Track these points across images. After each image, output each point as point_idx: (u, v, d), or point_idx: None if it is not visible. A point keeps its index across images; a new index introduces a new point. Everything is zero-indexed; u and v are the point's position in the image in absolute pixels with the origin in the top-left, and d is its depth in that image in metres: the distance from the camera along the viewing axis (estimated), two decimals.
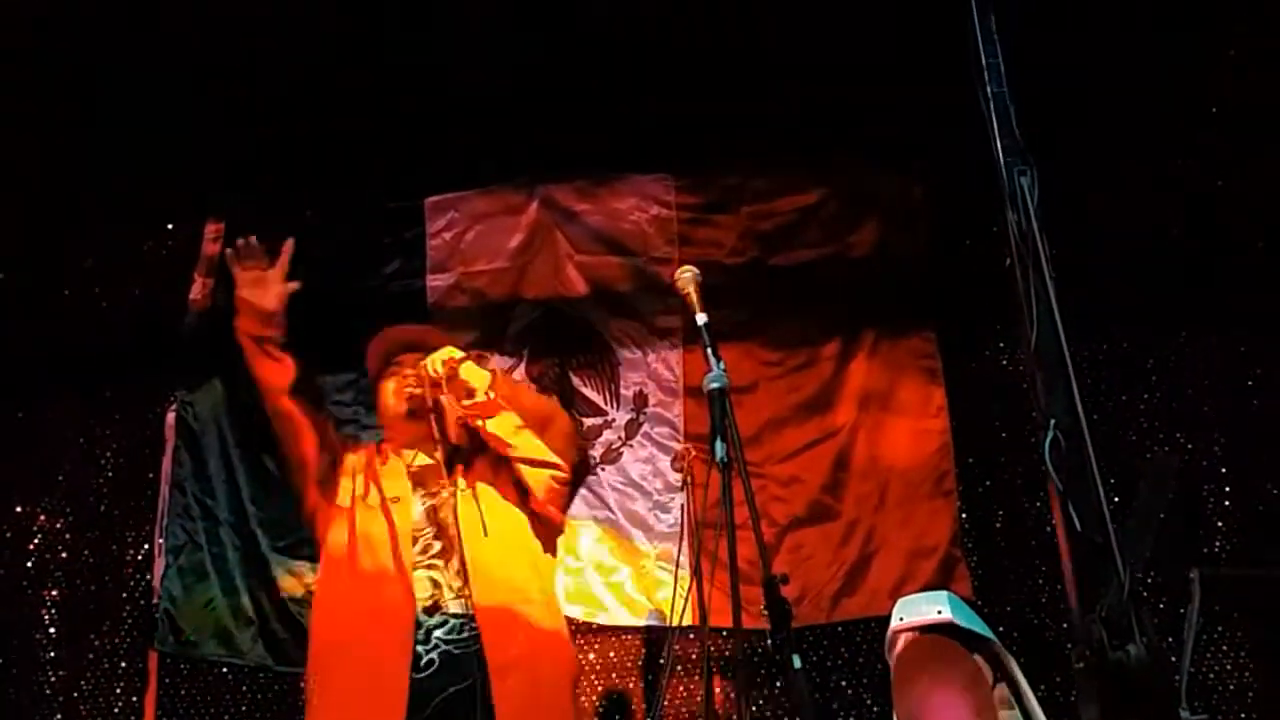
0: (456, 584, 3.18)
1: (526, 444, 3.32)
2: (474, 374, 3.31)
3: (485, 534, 3.22)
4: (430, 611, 3.14)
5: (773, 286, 4.94)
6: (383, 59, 4.48)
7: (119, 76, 4.41)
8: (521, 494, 3.39)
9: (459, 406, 3.35)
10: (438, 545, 3.25)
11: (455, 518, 3.25)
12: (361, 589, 3.24)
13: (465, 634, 3.12)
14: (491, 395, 3.28)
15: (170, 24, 4.18)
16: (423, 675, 3.05)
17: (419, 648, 3.09)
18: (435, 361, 3.31)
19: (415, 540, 3.25)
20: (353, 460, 3.46)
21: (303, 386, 3.39)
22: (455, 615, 3.15)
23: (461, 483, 3.34)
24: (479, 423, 3.33)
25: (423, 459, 3.42)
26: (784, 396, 4.82)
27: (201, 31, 4.23)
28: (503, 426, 3.31)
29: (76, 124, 4.61)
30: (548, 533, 3.43)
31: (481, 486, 3.35)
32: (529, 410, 3.37)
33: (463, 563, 3.18)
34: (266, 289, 3.36)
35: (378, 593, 3.19)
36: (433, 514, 3.31)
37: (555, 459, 3.34)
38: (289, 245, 3.44)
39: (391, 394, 3.48)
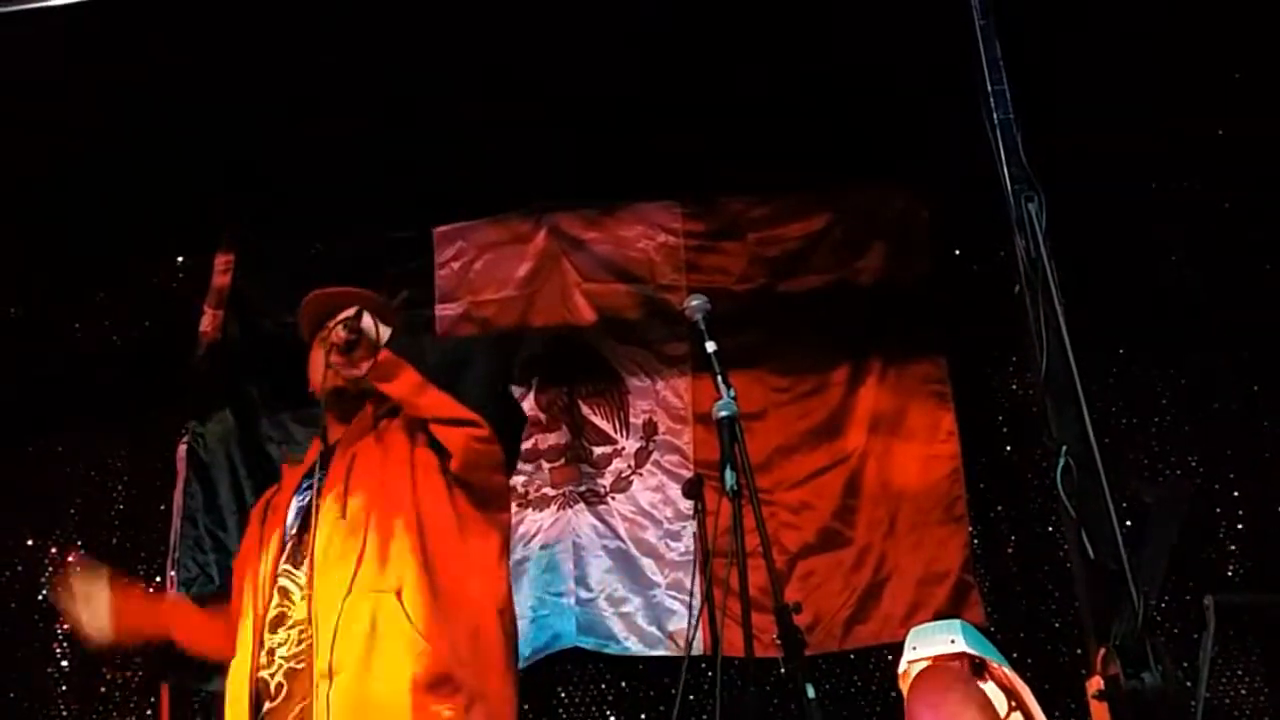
0: (302, 581, 2.79)
1: (433, 401, 2.84)
2: (372, 329, 2.96)
3: (344, 516, 2.80)
4: (274, 627, 2.77)
5: (781, 313, 4.93)
6: (390, 89, 4.49)
7: (131, 109, 4.43)
8: (443, 459, 2.91)
9: (359, 370, 2.97)
10: (292, 544, 2.88)
11: (317, 506, 2.84)
12: (234, 619, 2.96)
13: (302, 644, 2.72)
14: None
15: (180, 56, 4.20)
16: (274, 705, 2.69)
17: (264, 674, 2.73)
18: (336, 328, 3.00)
19: (284, 546, 2.89)
20: (254, 511, 3.19)
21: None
22: (296, 623, 2.75)
23: (349, 452, 2.94)
24: (380, 386, 2.92)
25: (334, 437, 3.08)
26: (793, 423, 4.81)
27: (210, 63, 4.24)
28: (404, 385, 2.86)
29: (86, 157, 4.63)
30: (478, 503, 2.94)
31: (368, 457, 2.92)
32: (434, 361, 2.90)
33: (311, 555, 2.78)
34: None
35: (240, 620, 2.89)
36: (302, 511, 2.94)
37: (468, 414, 2.82)
38: None
39: (317, 367, 3.14)
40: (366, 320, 2.99)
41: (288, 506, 2.99)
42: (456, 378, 2.88)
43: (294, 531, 2.92)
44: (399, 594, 2.71)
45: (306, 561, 2.79)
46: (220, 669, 3.01)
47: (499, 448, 2.93)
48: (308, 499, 2.93)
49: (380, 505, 2.84)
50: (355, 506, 2.83)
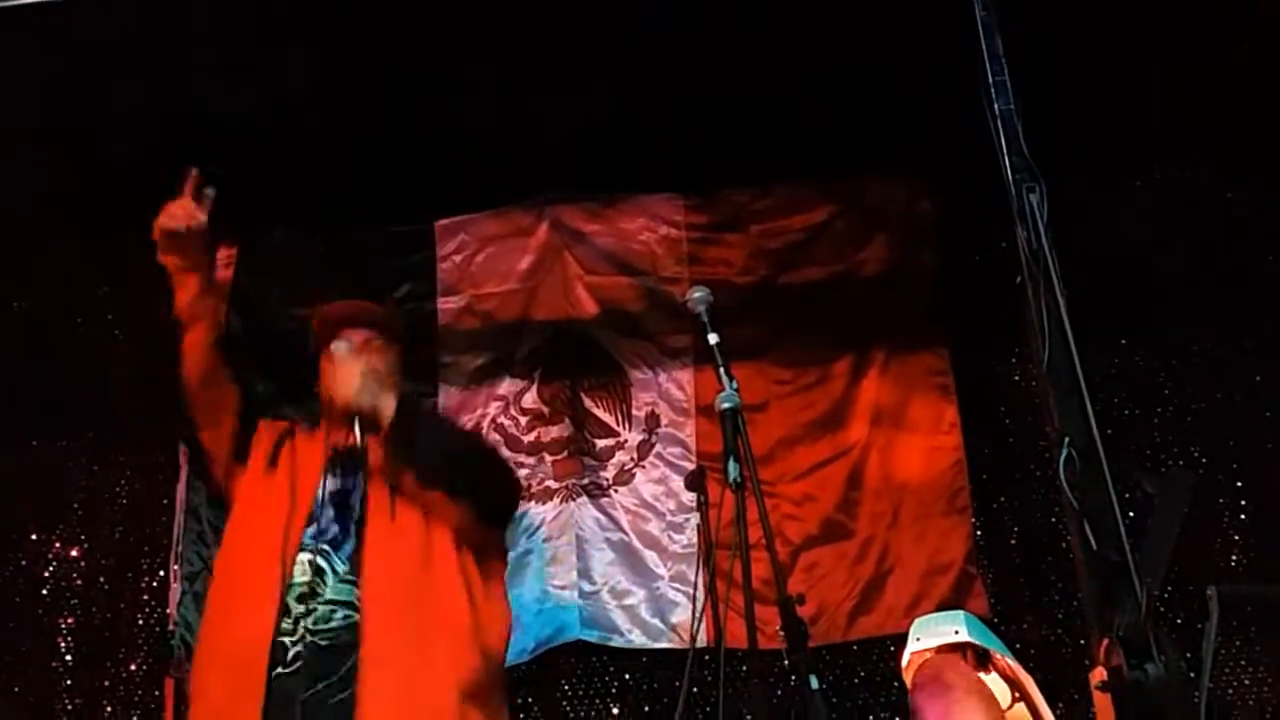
0: (343, 568, 2.97)
1: (431, 502, 3.09)
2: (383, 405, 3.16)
3: (393, 518, 3.02)
4: (303, 599, 2.91)
5: (783, 305, 4.93)
6: (392, 83, 4.49)
7: (132, 103, 4.42)
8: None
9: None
10: (334, 529, 3.05)
11: (363, 499, 3.07)
12: (238, 571, 3.05)
13: (335, 622, 2.89)
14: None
15: (181, 50, 4.19)
16: (286, 672, 2.82)
17: (285, 639, 2.86)
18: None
19: (312, 521, 3.03)
20: (267, 428, 3.31)
21: (228, 343, 3.37)
22: (329, 601, 2.92)
23: (381, 467, 3.12)
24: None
25: (349, 441, 3.21)
26: (796, 415, 4.81)
27: (211, 56, 4.24)
28: (405, 486, 3.10)
29: (88, 150, 4.63)
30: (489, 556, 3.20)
31: (404, 474, 3.10)
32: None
33: (360, 545, 2.98)
34: (172, 212, 3.25)
35: (249, 576, 2.98)
36: (340, 497, 3.12)
37: (462, 519, 3.10)
38: (193, 174, 3.29)
39: (333, 376, 3.28)
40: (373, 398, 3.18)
41: (316, 482, 3.12)
42: (456, 468, 3.14)
43: (330, 514, 3.08)
44: (446, 603, 2.97)
45: (348, 550, 2.99)
46: None
47: (490, 527, 3.23)
48: (348, 486, 3.14)
49: (427, 516, 3.07)
50: (403, 513, 3.05)
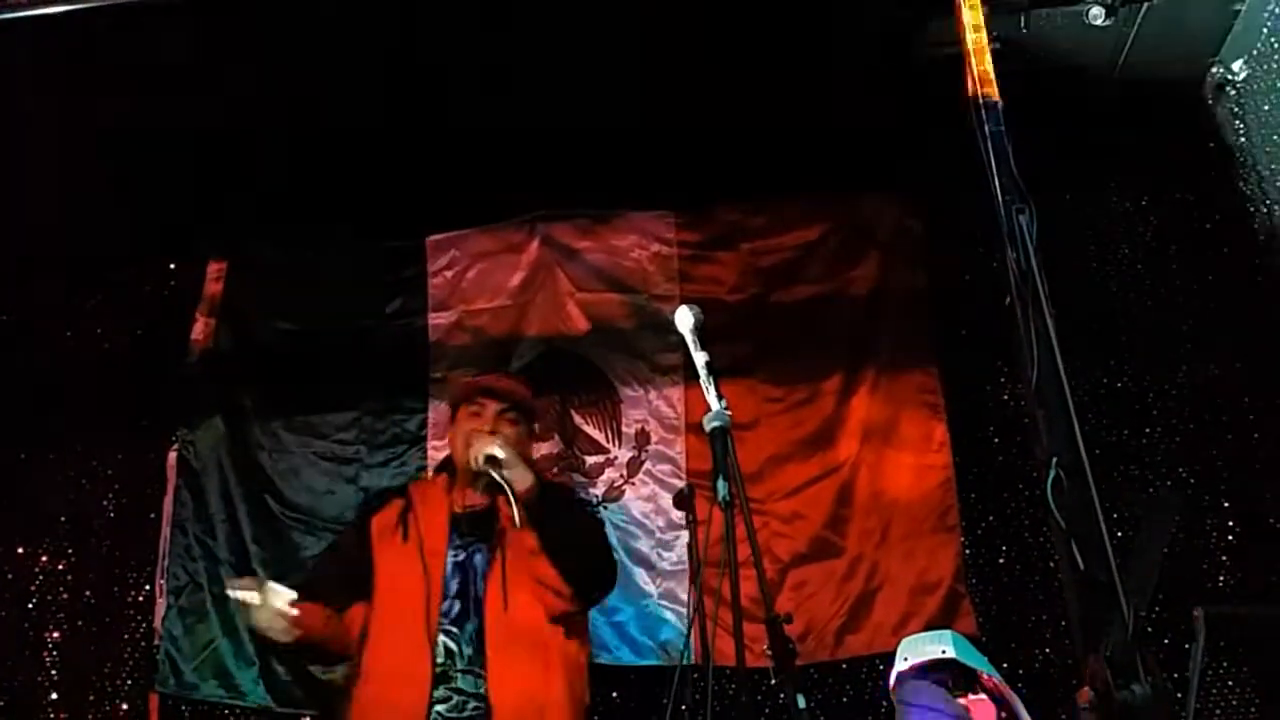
0: (469, 652, 3.14)
1: (543, 569, 3.26)
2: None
3: (505, 608, 3.18)
4: (438, 681, 3.09)
5: (774, 323, 4.94)
6: (384, 98, 4.49)
7: (123, 115, 4.42)
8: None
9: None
10: (458, 606, 3.21)
11: (482, 580, 3.22)
12: (386, 640, 3.21)
13: (467, 713, 3.08)
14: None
15: (175, 62, 4.19)
16: None
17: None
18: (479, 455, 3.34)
19: (445, 596, 3.21)
20: (381, 518, 3.45)
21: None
22: (460, 691, 3.11)
23: (499, 546, 3.31)
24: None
25: (476, 502, 3.43)
26: (786, 432, 4.81)
27: (204, 69, 4.24)
28: (525, 544, 3.27)
29: (78, 162, 4.63)
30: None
31: (514, 557, 3.29)
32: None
33: (481, 628, 3.14)
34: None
35: (400, 652, 3.15)
36: (464, 570, 3.28)
37: (563, 591, 3.27)
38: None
39: (461, 437, 3.49)
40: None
41: (444, 554, 3.30)
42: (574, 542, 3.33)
43: (455, 588, 3.25)
44: (559, 694, 3.18)
45: (470, 632, 3.17)
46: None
47: (581, 608, 3.44)
48: (463, 558, 3.31)
49: (533, 608, 3.24)
50: (515, 603, 3.22)
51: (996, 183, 3.25)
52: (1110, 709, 2.62)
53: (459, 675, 3.11)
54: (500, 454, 3.30)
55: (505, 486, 3.25)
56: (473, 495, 3.46)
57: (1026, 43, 3.92)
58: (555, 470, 4.79)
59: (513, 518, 3.19)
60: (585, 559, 3.37)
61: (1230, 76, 4.49)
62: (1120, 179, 4.86)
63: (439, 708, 3.06)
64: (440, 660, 3.11)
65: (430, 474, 3.69)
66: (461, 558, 3.29)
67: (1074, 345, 3.15)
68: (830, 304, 4.95)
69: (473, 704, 3.07)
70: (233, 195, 4.89)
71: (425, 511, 3.42)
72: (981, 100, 3.33)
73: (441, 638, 3.14)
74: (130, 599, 4.77)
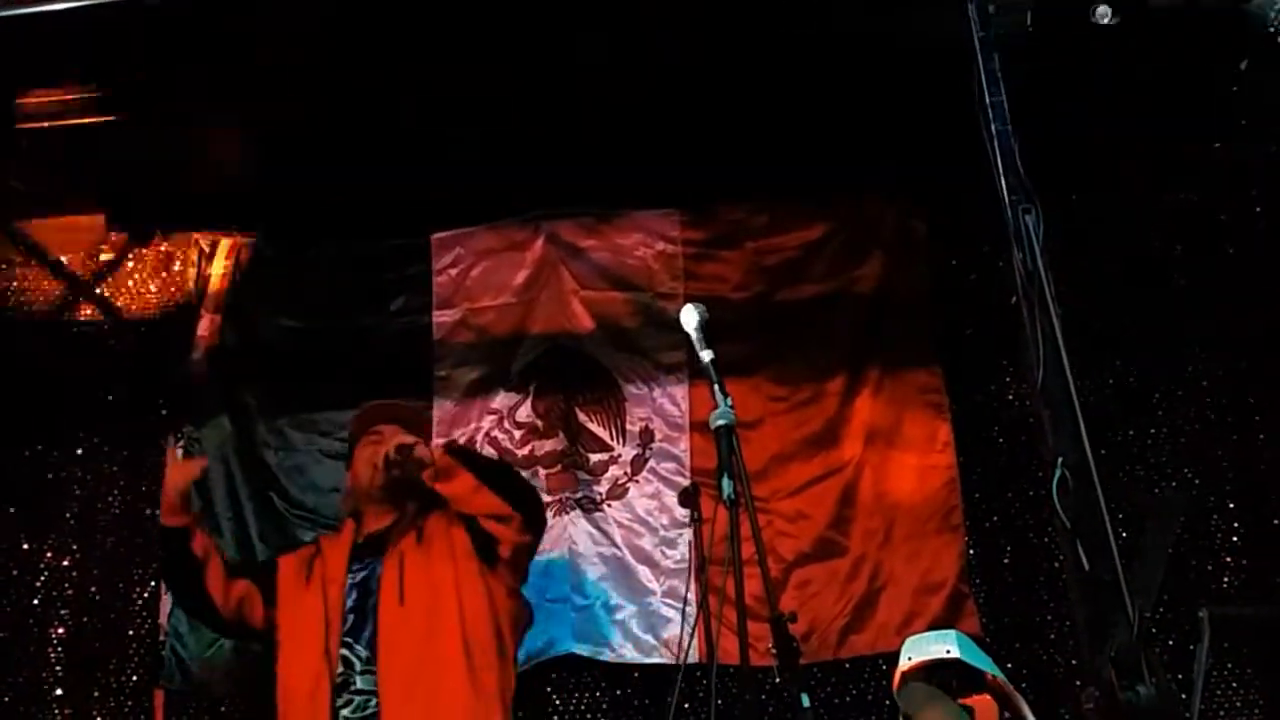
0: (365, 654, 3.24)
1: (485, 501, 3.47)
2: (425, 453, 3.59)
3: (401, 601, 3.28)
4: (339, 690, 3.19)
5: (778, 322, 4.93)
6: (390, 95, 4.49)
7: (131, 112, 4.42)
8: (485, 561, 3.49)
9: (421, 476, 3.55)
10: (354, 619, 3.32)
11: (377, 585, 3.33)
12: (293, 671, 3.35)
13: (369, 710, 3.17)
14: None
15: (178, 61, 4.19)
16: None
17: None
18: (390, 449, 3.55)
19: (346, 618, 3.33)
20: (289, 560, 3.67)
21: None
22: (361, 692, 3.20)
23: (398, 549, 3.45)
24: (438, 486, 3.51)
25: (377, 525, 3.58)
26: (790, 432, 4.81)
27: (209, 67, 4.24)
28: (461, 486, 3.47)
29: (85, 161, 4.63)
30: (513, 605, 3.56)
31: (415, 554, 3.44)
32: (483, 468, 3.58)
33: (374, 632, 3.25)
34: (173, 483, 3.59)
35: (304, 678, 3.28)
36: (362, 584, 3.40)
37: (510, 512, 3.48)
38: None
39: (365, 461, 3.64)
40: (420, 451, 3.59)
41: (343, 580, 3.45)
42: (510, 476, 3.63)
43: (351, 607, 3.37)
44: (451, 673, 3.26)
45: (367, 637, 3.27)
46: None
47: (532, 538, 3.64)
48: (362, 577, 3.45)
49: (431, 597, 3.37)
50: (411, 596, 3.34)
51: (1002, 183, 3.25)
52: (1115, 709, 2.62)
53: (359, 678, 3.22)
54: (409, 439, 3.55)
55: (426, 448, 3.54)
56: (374, 518, 3.63)
57: (1031, 39, 3.90)
58: (559, 468, 4.80)
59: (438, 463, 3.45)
60: (521, 487, 3.62)
61: (1241, 69, 4.48)
62: (1128, 178, 4.85)
63: (344, 712, 3.18)
64: (340, 671, 3.23)
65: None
66: (361, 577, 3.44)
67: (1079, 345, 3.14)
68: (834, 303, 4.95)
69: (372, 700, 3.19)
70: (238, 193, 4.89)
71: (330, 552, 3.59)
72: (988, 99, 3.32)
73: (342, 651, 3.27)
74: (135, 596, 4.77)
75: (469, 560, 3.47)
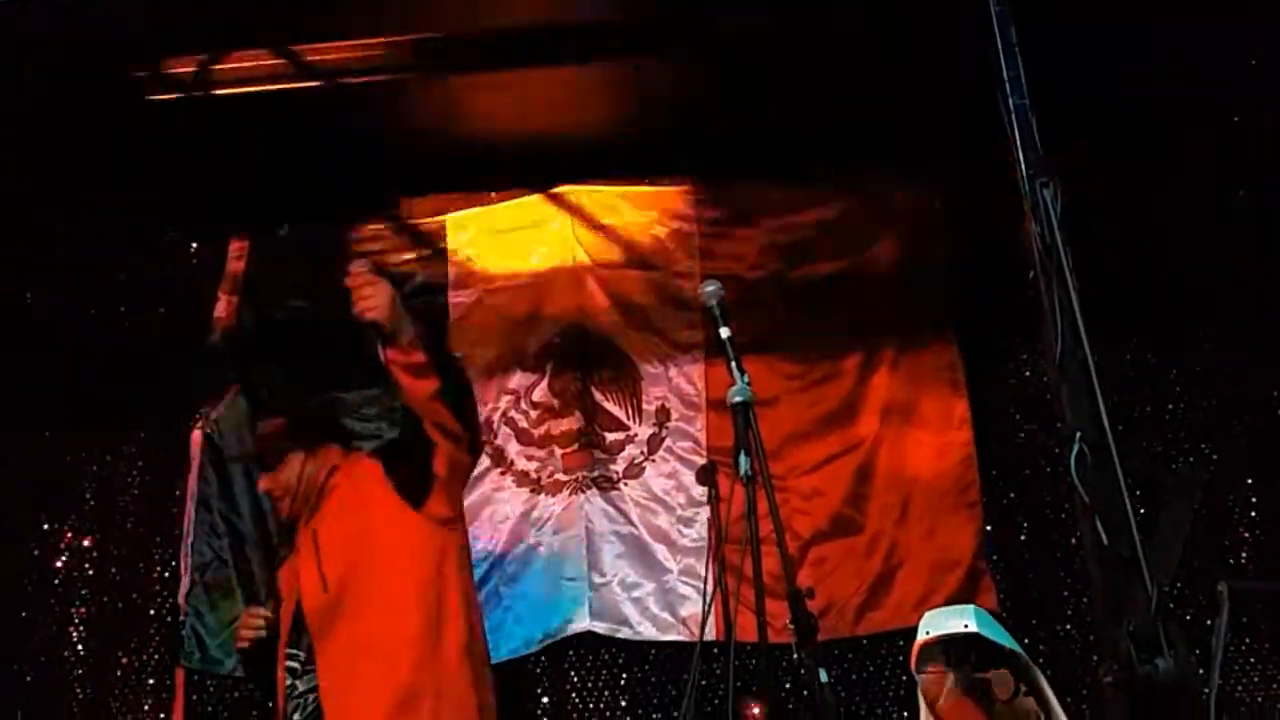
0: (303, 656, 3.12)
1: (440, 413, 3.17)
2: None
3: (325, 589, 3.10)
4: (288, 699, 3.10)
5: (794, 299, 4.94)
6: (402, 75, 4.48)
7: (146, 94, 4.43)
8: (410, 498, 3.20)
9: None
10: (287, 627, 3.19)
11: (297, 585, 3.17)
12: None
13: (311, 707, 3.06)
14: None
15: (191, 45, 4.20)
16: None
17: None
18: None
19: (289, 633, 3.19)
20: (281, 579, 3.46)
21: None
22: (304, 693, 3.09)
23: (309, 528, 3.25)
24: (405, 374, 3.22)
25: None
26: (806, 410, 4.81)
27: (220, 50, 4.25)
28: (425, 389, 3.17)
29: (100, 143, 4.64)
30: (454, 537, 3.25)
31: (324, 532, 3.21)
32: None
33: (308, 632, 3.10)
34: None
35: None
36: (289, 590, 3.26)
37: (460, 430, 3.18)
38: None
39: (292, 474, 3.40)
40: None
41: (293, 600, 3.23)
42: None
43: (291, 620, 3.19)
44: (387, 654, 3.03)
45: (305, 642, 3.11)
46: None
47: (471, 460, 3.33)
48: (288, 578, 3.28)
49: (350, 563, 3.13)
50: (331, 574, 3.11)
51: (1021, 157, 3.23)
52: (1133, 684, 2.62)
53: (299, 681, 3.10)
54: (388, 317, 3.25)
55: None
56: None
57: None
58: (575, 447, 4.81)
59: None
60: (471, 412, 3.31)
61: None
62: (1143, 152, 4.82)
63: (294, 717, 3.07)
64: (288, 683, 3.12)
65: None
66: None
67: (1097, 320, 3.12)
68: (850, 281, 4.95)
69: (312, 696, 3.06)
70: (254, 174, 4.89)
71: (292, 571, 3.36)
72: (1005, 72, 3.30)
73: (288, 663, 3.14)
74: (155, 575, 4.80)
75: (386, 503, 3.20)
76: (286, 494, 3.34)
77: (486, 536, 4.67)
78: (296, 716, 3.07)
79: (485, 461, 4.75)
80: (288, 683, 3.11)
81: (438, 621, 3.09)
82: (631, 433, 4.85)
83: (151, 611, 4.77)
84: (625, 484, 4.78)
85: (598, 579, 4.61)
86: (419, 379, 3.18)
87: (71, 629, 4.78)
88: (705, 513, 4.53)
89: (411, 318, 3.23)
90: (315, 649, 3.07)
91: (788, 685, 4.27)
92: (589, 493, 4.75)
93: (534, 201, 5.12)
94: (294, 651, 3.14)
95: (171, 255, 5.25)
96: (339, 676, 3.03)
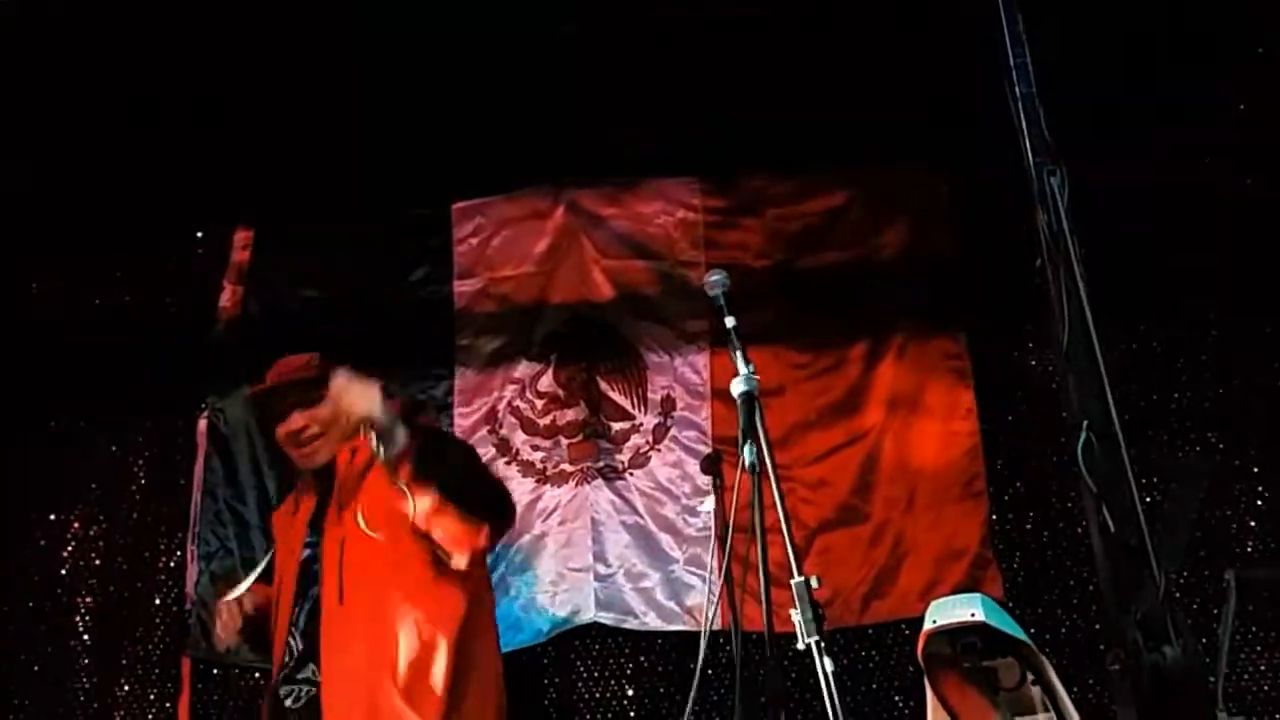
0: (302, 645, 3.12)
1: (444, 529, 3.04)
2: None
3: (341, 601, 3.05)
4: (286, 679, 3.11)
5: (800, 289, 4.93)
6: (408, 64, 4.48)
7: (152, 85, 4.43)
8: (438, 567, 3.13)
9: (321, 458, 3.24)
10: (295, 605, 3.18)
11: (318, 576, 3.13)
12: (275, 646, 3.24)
13: (305, 699, 3.08)
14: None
15: (199, 33, 4.19)
16: None
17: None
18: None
19: (296, 600, 3.17)
20: (279, 517, 3.49)
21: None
22: (301, 682, 3.10)
23: (337, 536, 3.15)
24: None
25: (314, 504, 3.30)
26: (812, 399, 4.81)
27: (228, 38, 4.24)
28: (423, 506, 3.01)
29: (107, 135, 4.64)
30: (459, 590, 3.16)
31: (352, 542, 3.11)
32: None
33: (315, 627, 3.09)
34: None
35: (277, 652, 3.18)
36: (304, 566, 3.21)
37: (474, 539, 3.07)
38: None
39: (285, 439, 3.31)
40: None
41: (299, 554, 3.22)
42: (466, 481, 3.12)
43: (298, 591, 3.18)
44: (393, 676, 2.98)
45: (308, 631, 3.11)
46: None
47: (489, 544, 3.20)
48: (306, 557, 3.21)
49: (371, 590, 3.07)
50: (352, 597, 3.06)
51: (1027, 145, 3.23)
52: (1141, 671, 2.62)
53: (298, 667, 3.11)
54: (376, 413, 3.06)
55: (380, 451, 3.04)
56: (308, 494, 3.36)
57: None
58: (581, 437, 4.81)
59: (400, 489, 3.01)
60: (488, 493, 3.22)
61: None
62: (1152, 142, 4.81)
63: (287, 702, 3.09)
64: (286, 660, 3.12)
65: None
66: (305, 556, 3.21)
67: (1104, 309, 3.12)
68: (856, 270, 4.94)
69: (309, 689, 3.07)
70: (259, 163, 4.89)
71: (303, 511, 3.33)
72: (1012, 61, 3.30)
73: (289, 638, 3.13)
74: (162, 565, 4.81)
75: (415, 566, 3.11)
76: (322, 431, 3.25)
77: None
78: (289, 702, 3.08)
79: (491, 451, 4.76)
80: (285, 659, 3.11)
81: (464, 673, 3.08)
82: (637, 422, 4.84)
83: (157, 601, 4.78)
84: (631, 474, 4.78)
85: (603, 569, 4.61)
86: (414, 500, 3.02)
87: (78, 618, 4.79)
88: (710, 502, 4.52)
89: (407, 429, 3.05)
90: (322, 654, 3.05)
91: (793, 674, 4.30)
92: (594, 483, 4.75)
93: (540, 192, 5.11)
94: (294, 629, 3.13)
95: (178, 244, 5.24)
96: (342, 696, 3.01)
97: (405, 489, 2.98)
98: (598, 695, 4.57)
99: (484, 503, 3.14)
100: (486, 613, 3.32)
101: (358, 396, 3.03)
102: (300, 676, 3.10)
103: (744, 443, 2.83)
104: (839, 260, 4.95)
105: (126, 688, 4.71)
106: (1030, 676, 3.47)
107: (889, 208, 4.97)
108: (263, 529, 4.71)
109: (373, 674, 2.99)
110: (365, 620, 3.04)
